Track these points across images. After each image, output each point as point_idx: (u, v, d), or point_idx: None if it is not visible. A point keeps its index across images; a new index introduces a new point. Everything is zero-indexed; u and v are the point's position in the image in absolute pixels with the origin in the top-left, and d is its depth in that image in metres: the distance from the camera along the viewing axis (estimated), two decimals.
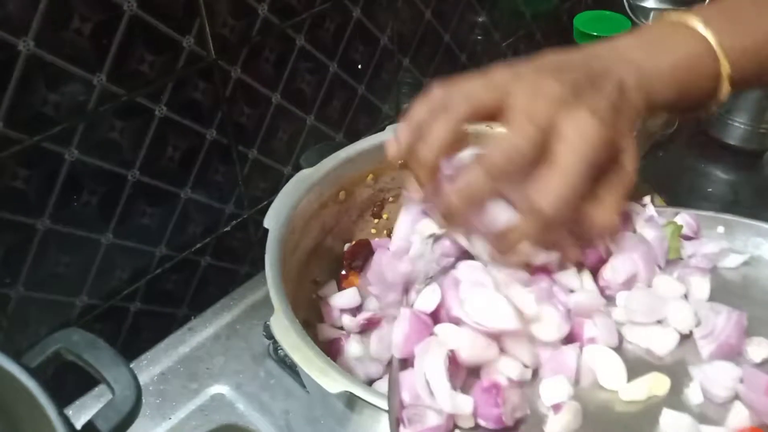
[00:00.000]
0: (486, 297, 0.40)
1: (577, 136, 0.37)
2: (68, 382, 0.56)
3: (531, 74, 0.40)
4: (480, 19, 0.88)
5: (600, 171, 0.40)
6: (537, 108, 0.38)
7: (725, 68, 0.43)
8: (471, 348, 0.39)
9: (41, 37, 0.49)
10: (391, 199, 0.71)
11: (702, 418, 0.37)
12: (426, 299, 0.41)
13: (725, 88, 0.44)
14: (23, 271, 0.56)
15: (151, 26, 0.55)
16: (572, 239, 0.42)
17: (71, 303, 0.61)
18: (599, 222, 0.41)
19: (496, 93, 0.39)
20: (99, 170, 0.57)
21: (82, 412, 0.60)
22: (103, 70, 0.53)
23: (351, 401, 0.49)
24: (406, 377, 0.39)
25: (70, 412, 0.60)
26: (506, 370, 0.39)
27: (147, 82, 0.57)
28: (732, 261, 0.46)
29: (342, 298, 0.60)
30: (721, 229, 0.48)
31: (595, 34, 0.89)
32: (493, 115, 0.40)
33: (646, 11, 0.95)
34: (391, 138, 0.43)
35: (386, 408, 0.44)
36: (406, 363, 0.40)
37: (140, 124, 0.58)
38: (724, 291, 0.44)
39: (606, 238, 0.43)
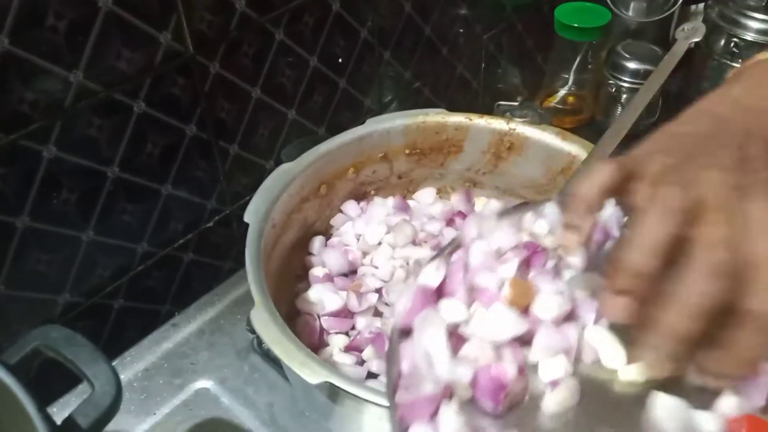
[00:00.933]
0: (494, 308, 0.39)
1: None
2: (51, 380, 0.56)
3: (688, 166, 0.34)
4: (461, 12, 0.88)
5: None
6: (727, 201, 0.32)
7: None
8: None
9: (16, 34, 0.48)
10: (372, 192, 0.71)
11: (700, 403, 0.37)
12: (430, 275, 0.41)
13: None
14: (3, 270, 0.56)
15: (127, 22, 0.55)
16: None
17: (53, 301, 0.61)
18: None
19: (691, 193, 0.32)
20: (78, 167, 0.57)
21: (66, 410, 0.59)
22: (79, 67, 0.53)
23: (333, 393, 0.49)
24: (405, 348, 0.39)
25: (54, 410, 0.60)
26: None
27: (124, 79, 0.57)
28: None
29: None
30: None
31: (575, 25, 0.90)
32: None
33: (627, 2, 0.96)
34: (566, 231, 0.37)
35: (366, 398, 0.45)
36: (407, 334, 0.39)
37: (119, 121, 0.58)
38: None
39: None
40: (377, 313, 0.61)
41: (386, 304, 0.61)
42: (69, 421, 0.39)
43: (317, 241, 0.66)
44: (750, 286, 0.31)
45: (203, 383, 0.63)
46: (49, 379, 0.54)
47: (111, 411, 0.40)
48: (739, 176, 0.33)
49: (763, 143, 0.35)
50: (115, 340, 0.66)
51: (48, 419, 0.36)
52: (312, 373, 0.45)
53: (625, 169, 0.35)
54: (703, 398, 0.37)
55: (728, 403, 0.36)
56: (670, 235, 0.32)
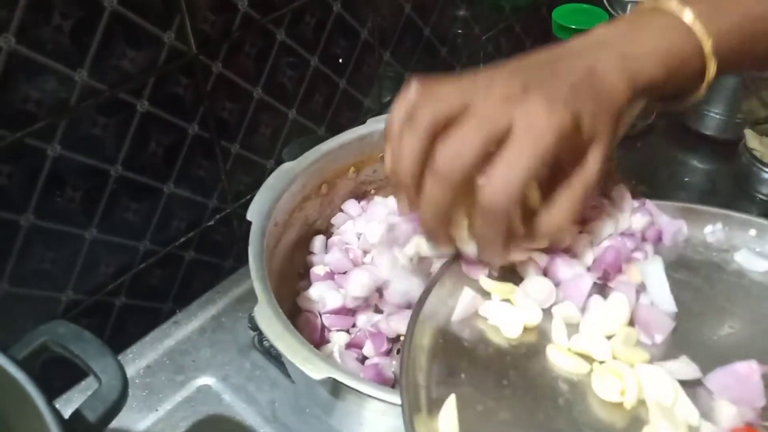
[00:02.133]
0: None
1: (524, 129, 0.36)
2: (54, 376, 0.56)
3: (486, 77, 0.39)
4: (460, 13, 0.89)
5: (561, 164, 0.39)
6: (486, 109, 0.37)
7: (708, 48, 0.42)
8: None
9: (22, 33, 0.49)
10: (373, 191, 0.71)
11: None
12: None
13: (711, 69, 0.43)
14: (7, 268, 0.57)
15: (131, 22, 0.55)
16: (523, 239, 0.42)
17: (56, 298, 0.62)
18: (543, 227, 0.40)
19: (459, 99, 0.39)
20: (82, 166, 0.58)
21: (69, 406, 0.60)
22: (84, 66, 0.54)
23: (335, 388, 0.50)
24: None
25: (57, 406, 0.61)
26: None
27: (129, 78, 0.57)
28: (761, 266, 0.46)
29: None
30: (753, 232, 0.48)
31: (573, 26, 0.90)
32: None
33: (624, 3, 0.97)
34: (386, 151, 0.43)
35: (369, 393, 0.45)
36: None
37: (122, 120, 0.59)
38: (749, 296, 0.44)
39: (554, 240, 0.44)
40: (378, 311, 0.61)
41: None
42: (77, 414, 0.40)
43: (318, 240, 0.66)
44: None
45: (205, 380, 0.63)
46: (51, 376, 0.55)
47: (118, 405, 0.40)
48: (518, 90, 0.37)
49: (581, 69, 0.38)
50: (118, 338, 0.67)
51: (57, 413, 0.37)
52: (315, 369, 0.46)
53: (424, 90, 0.41)
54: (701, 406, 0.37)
55: (728, 413, 0.37)
56: (417, 148, 0.39)
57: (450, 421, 0.37)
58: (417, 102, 0.40)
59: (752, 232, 0.48)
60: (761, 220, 0.49)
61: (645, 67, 0.40)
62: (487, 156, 0.37)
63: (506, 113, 0.37)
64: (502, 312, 0.44)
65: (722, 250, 0.48)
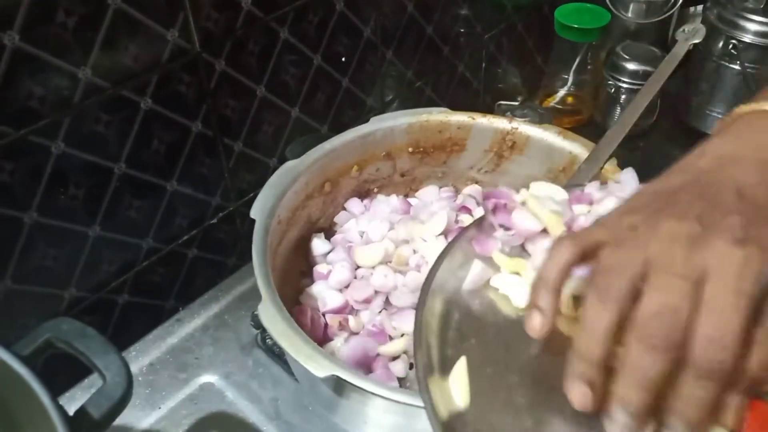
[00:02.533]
0: None
1: (725, 270, 0.32)
2: (57, 373, 0.56)
3: (647, 224, 0.35)
4: (462, 12, 0.89)
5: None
6: (673, 257, 0.33)
7: None
8: None
9: (26, 30, 0.49)
10: (376, 189, 0.72)
11: None
12: None
13: None
14: (11, 265, 0.57)
15: (135, 19, 0.55)
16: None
17: (59, 296, 0.62)
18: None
19: (638, 257, 0.34)
20: (85, 163, 0.58)
21: (72, 404, 0.60)
22: (88, 64, 0.54)
23: (338, 386, 0.50)
24: None
25: (61, 403, 0.61)
26: None
27: (132, 76, 0.57)
28: None
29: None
30: None
31: (575, 26, 0.90)
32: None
33: (626, 3, 0.97)
34: (530, 312, 0.38)
35: (373, 391, 0.46)
36: None
37: (126, 117, 0.59)
38: None
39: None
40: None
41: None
42: (81, 411, 0.40)
43: (321, 239, 0.66)
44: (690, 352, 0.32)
45: (208, 378, 0.63)
46: (55, 373, 0.55)
47: (122, 402, 0.41)
48: (696, 227, 0.33)
49: (734, 188, 0.35)
50: (120, 335, 0.67)
51: (62, 410, 0.37)
52: (319, 367, 0.46)
53: (582, 243, 0.37)
54: None
55: None
56: (613, 321, 0.34)
57: (461, 381, 0.39)
58: (597, 269, 0.35)
59: None
60: None
61: None
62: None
63: (696, 261, 0.33)
64: (513, 282, 0.45)
65: None
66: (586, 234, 0.37)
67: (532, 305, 0.38)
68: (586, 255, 0.36)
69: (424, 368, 0.39)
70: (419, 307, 0.43)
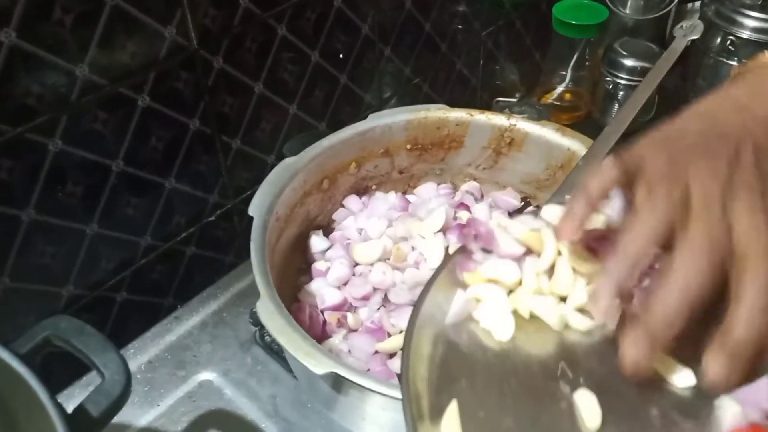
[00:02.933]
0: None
1: (753, 227, 0.34)
2: (55, 371, 0.56)
3: (685, 163, 0.36)
4: (460, 9, 0.89)
5: None
6: (710, 193, 0.35)
7: None
8: None
9: (23, 28, 0.49)
10: (374, 186, 0.72)
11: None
12: None
13: None
14: (9, 262, 0.56)
15: (132, 16, 0.55)
16: None
17: (57, 293, 0.62)
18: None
19: (682, 189, 0.35)
20: (83, 161, 0.57)
21: (71, 401, 0.60)
22: (85, 61, 0.54)
23: (337, 383, 0.50)
24: None
25: (59, 400, 0.61)
26: None
27: (129, 73, 0.57)
28: None
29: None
30: None
31: (573, 22, 0.90)
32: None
33: (624, 0, 0.97)
34: (568, 216, 0.39)
35: (371, 388, 0.45)
36: None
37: (123, 115, 0.59)
38: None
39: None
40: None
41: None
42: (80, 409, 0.40)
43: (320, 236, 0.66)
44: (736, 280, 0.33)
45: (206, 375, 0.63)
46: (53, 371, 0.55)
47: (121, 400, 0.40)
48: (725, 178, 0.35)
49: (752, 148, 0.36)
50: (119, 333, 0.67)
51: (60, 408, 0.37)
52: (317, 364, 0.46)
53: (625, 168, 0.38)
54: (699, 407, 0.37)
55: (732, 411, 0.36)
56: (661, 228, 0.35)
57: (452, 428, 0.36)
58: (655, 175, 0.37)
59: None
60: None
61: None
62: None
63: (723, 197, 0.35)
64: (492, 314, 0.42)
65: None
66: (627, 159, 0.38)
67: (568, 210, 0.39)
68: (630, 176, 0.37)
69: (413, 419, 0.36)
70: (405, 350, 0.40)
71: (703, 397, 0.37)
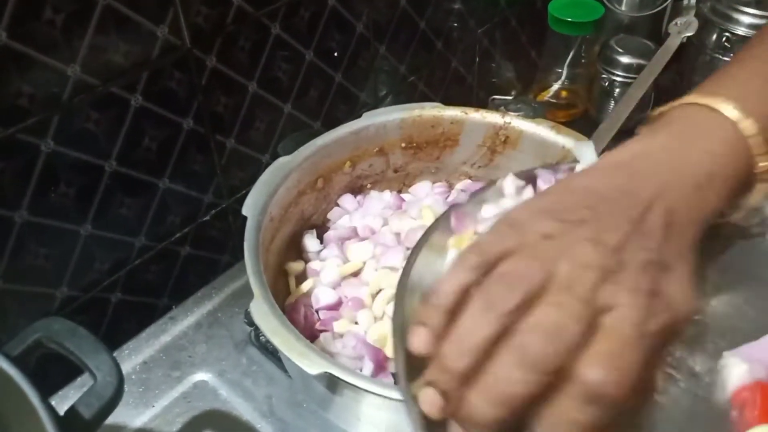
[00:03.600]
0: None
1: (629, 323, 0.30)
2: (49, 373, 0.56)
3: (563, 240, 0.32)
4: (455, 6, 0.88)
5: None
6: (581, 282, 0.30)
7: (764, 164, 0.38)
8: None
9: (14, 28, 0.49)
10: (369, 185, 0.71)
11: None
12: None
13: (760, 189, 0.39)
14: (1, 264, 0.56)
15: (124, 16, 0.55)
16: None
17: (51, 295, 0.61)
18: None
19: (540, 273, 0.31)
20: (76, 161, 0.57)
21: (65, 403, 0.60)
22: (77, 61, 0.53)
23: (331, 383, 0.50)
24: None
25: (53, 402, 0.61)
26: None
27: (122, 72, 0.57)
28: None
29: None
30: None
31: (569, 19, 0.90)
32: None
33: None
34: (417, 328, 0.33)
35: (365, 388, 0.45)
36: None
37: (116, 115, 0.58)
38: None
39: None
40: None
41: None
42: (72, 411, 0.39)
43: (314, 236, 0.66)
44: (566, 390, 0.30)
45: (201, 376, 0.63)
46: (46, 373, 0.55)
47: (113, 401, 0.40)
48: (613, 259, 0.31)
49: (662, 213, 0.33)
50: (113, 334, 0.66)
51: (52, 410, 0.37)
52: (311, 364, 0.46)
53: (488, 257, 0.33)
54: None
55: (739, 369, 0.36)
56: (491, 336, 0.30)
57: None
58: (491, 275, 0.32)
59: None
60: None
61: (714, 202, 0.36)
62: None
63: (602, 294, 0.30)
64: None
65: None
66: (493, 243, 0.33)
67: (419, 321, 0.33)
68: (491, 270, 0.32)
69: (406, 375, 0.34)
70: (396, 311, 0.38)
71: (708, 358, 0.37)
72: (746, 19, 0.84)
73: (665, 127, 0.39)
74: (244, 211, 0.57)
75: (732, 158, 0.37)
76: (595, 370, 0.29)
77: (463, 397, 0.31)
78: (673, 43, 0.67)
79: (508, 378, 0.30)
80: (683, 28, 0.69)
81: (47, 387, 0.61)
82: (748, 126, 0.37)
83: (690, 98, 0.39)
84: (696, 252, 0.34)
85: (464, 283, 0.32)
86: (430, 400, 0.32)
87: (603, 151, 0.61)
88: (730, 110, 0.37)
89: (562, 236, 0.32)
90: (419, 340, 0.33)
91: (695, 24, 0.70)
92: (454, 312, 0.32)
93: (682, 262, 0.33)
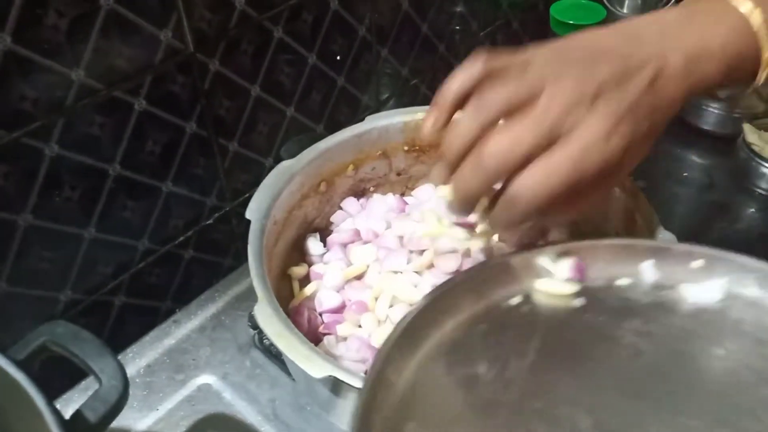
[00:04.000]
0: None
1: (579, 145, 0.37)
2: (53, 377, 0.56)
3: (557, 67, 0.39)
4: (457, 9, 0.89)
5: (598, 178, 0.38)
6: (551, 112, 0.37)
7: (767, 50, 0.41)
8: None
9: (18, 32, 0.49)
10: (372, 189, 0.71)
11: None
12: None
13: (765, 72, 0.42)
14: (6, 267, 0.56)
15: (128, 20, 0.55)
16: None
17: (55, 298, 0.61)
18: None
19: (527, 90, 0.38)
20: (80, 165, 0.57)
21: (69, 406, 0.60)
22: (81, 65, 0.53)
23: (336, 386, 0.50)
24: None
25: (57, 406, 0.61)
26: None
27: (126, 77, 0.57)
28: (706, 296, 0.43)
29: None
30: (699, 263, 0.44)
31: (571, 22, 0.90)
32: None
33: (621, 0, 0.97)
34: (428, 114, 0.43)
35: None
36: None
37: (120, 119, 0.58)
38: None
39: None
40: None
41: None
42: (77, 415, 0.39)
43: (317, 239, 0.66)
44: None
45: (205, 379, 0.63)
46: (51, 377, 0.55)
47: (119, 405, 0.40)
48: (588, 98, 0.37)
49: (647, 76, 0.38)
50: (117, 337, 0.67)
51: (57, 414, 0.37)
52: (315, 367, 0.46)
53: (493, 66, 0.40)
54: None
55: None
56: (474, 133, 0.39)
57: None
58: (485, 81, 0.40)
59: (698, 263, 0.44)
60: (707, 250, 0.44)
61: (707, 71, 0.40)
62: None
63: (568, 121, 0.37)
64: None
65: (667, 287, 0.44)
66: (500, 61, 0.40)
67: (431, 107, 0.43)
68: (494, 76, 0.40)
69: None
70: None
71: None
72: None
73: (684, 7, 0.43)
74: (248, 214, 0.57)
75: (736, 45, 0.41)
76: (519, 181, 0.38)
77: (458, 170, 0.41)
78: None
79: (466, 178, 0.40)
80: None
81: (52, 391, 0.61)
82: (756, 15, 0.41)
83: None
84: (669, 117, 0.41)
85: (470, 78, 0.40)
86: (439, 174, 0.43)
87: None
88: (745, 5, 0.41)
89: (556, 71, 0.39)
90: (428, 122, 0.43)
91: None
92: (459, 97, 0.41)
93: (646, 123, 0.39)
